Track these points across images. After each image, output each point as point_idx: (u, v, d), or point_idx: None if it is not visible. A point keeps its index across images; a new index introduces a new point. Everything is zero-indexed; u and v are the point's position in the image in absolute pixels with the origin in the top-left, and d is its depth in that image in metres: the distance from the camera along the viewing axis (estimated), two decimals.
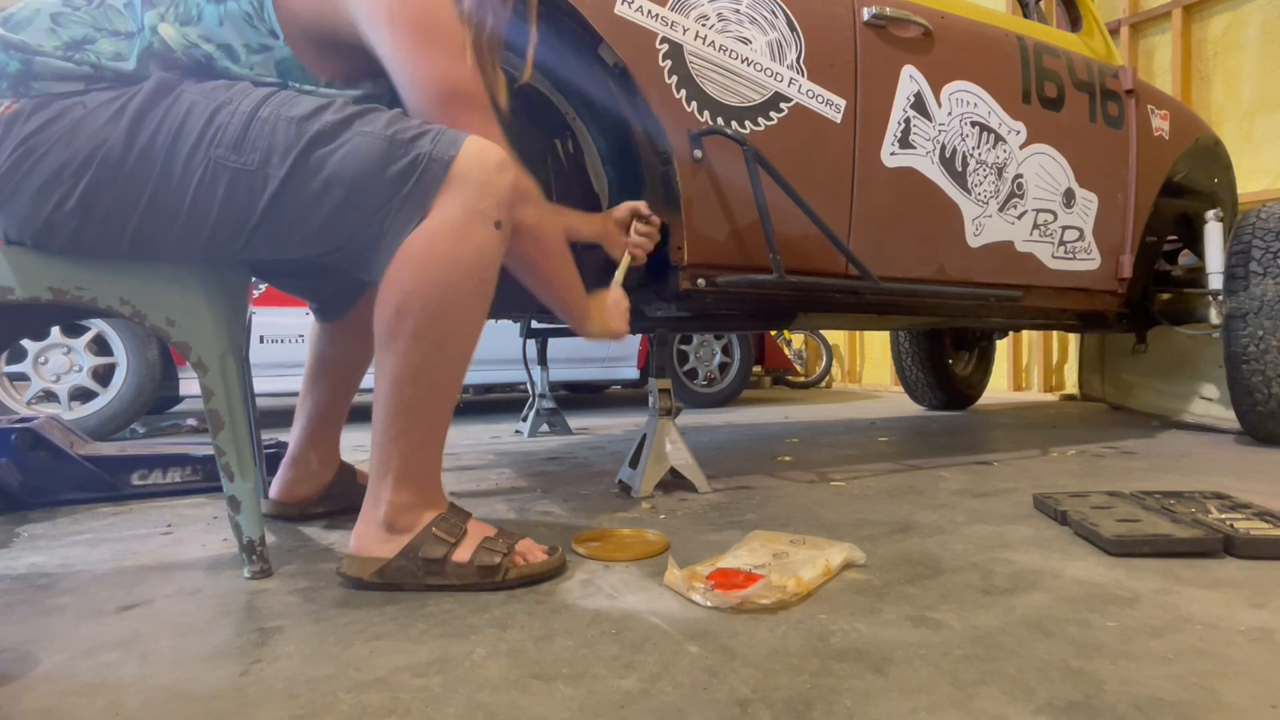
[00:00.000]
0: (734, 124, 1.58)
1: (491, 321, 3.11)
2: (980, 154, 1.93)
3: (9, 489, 1.50)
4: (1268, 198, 3.37)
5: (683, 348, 4.15)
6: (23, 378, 2.64)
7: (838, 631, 0.81)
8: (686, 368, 4.19)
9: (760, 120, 1.61)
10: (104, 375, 2.72)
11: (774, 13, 1.62)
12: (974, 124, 1.92)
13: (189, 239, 0.96)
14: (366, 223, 0.94)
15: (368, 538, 0.99)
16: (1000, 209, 1.99)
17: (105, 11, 0.95)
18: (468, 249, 0.93)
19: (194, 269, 1.03)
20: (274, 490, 1.39)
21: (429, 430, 0.98)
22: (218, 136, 0.91)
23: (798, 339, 6.49)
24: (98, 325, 2.68)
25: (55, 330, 2.64)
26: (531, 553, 1.01)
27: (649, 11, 1.48)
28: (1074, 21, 2.35)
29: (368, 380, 1.45)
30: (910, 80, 1.80)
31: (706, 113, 1.55)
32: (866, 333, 6.06)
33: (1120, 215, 2.28)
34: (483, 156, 0.95)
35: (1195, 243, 2.50)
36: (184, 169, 0.92)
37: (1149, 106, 2.32)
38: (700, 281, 1.60)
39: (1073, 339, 4.24)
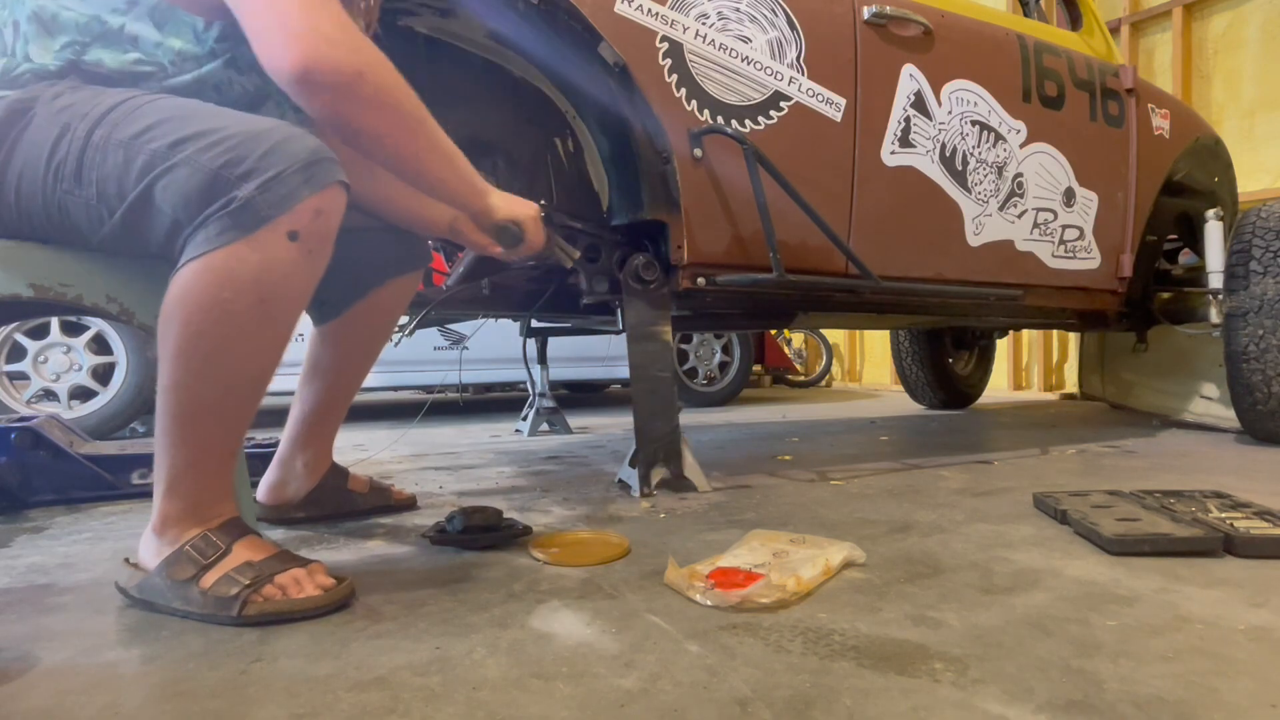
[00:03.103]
0: (734, 123, 1.58)
1: (491, 320, 3.15)
2: (980, 153, 1.93)
3: (9, 488, 1.50)
4: (1268, 196, 3.37)
5: (683, 347, 4.16)
6: (22, 376, 2.64)
7: (838, 631, 0.81)
8: (686, 367, 4.19)
9: (760, 119, 1.61)
10: (104, 374, 2.72)
11: (774, 11, 1.62)
12: (974, 123, 1.92)
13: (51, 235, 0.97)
14: (180, 238, 0.90)
15: (144, 544, 0.93)
16: (1000, 208, 1.99)
17: None
18: (248, 265, 0.85)
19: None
20: (259, 492, 1.36)
21: (203, 444, 0.91)
22: (60, 171, 0.89)
23: (798, 338, 6.49)
24: (97, 324, 2.68)
25: (55, 329, 2.64)
26: (299, 585, 0.89)
27: (649, 10, 1.48)
28: (1074, 20, 2.35)
29: (367, 380, 1.45)
30: (910, 79, 1.80)
31: (706, 111, 1.55)
32: (866, 332, 6.07)
33: (1120, 214, 2.28)
34: (320, 221, 0.88)
35: (1195, 242, 2.50)
36: (39, 197, 0.91)
37: (1149, 105, 2.32)
38: (700, 280, 1.60)
39: (1073, 338, 4.24)
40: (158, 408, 0.90)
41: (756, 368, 5.42)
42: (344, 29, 0.89)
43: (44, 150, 0.89)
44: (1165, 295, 2.59)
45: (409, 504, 1.50)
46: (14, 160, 0.91)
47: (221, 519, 0.94)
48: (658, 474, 1.57)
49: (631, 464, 1.64)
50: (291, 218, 0.86)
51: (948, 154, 1.88)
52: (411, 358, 3.47)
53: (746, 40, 1.59)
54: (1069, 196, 2.13)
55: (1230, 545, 1.07)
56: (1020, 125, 2.00)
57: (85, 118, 0.89)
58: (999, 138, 1.96)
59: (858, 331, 6.14)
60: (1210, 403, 2.75)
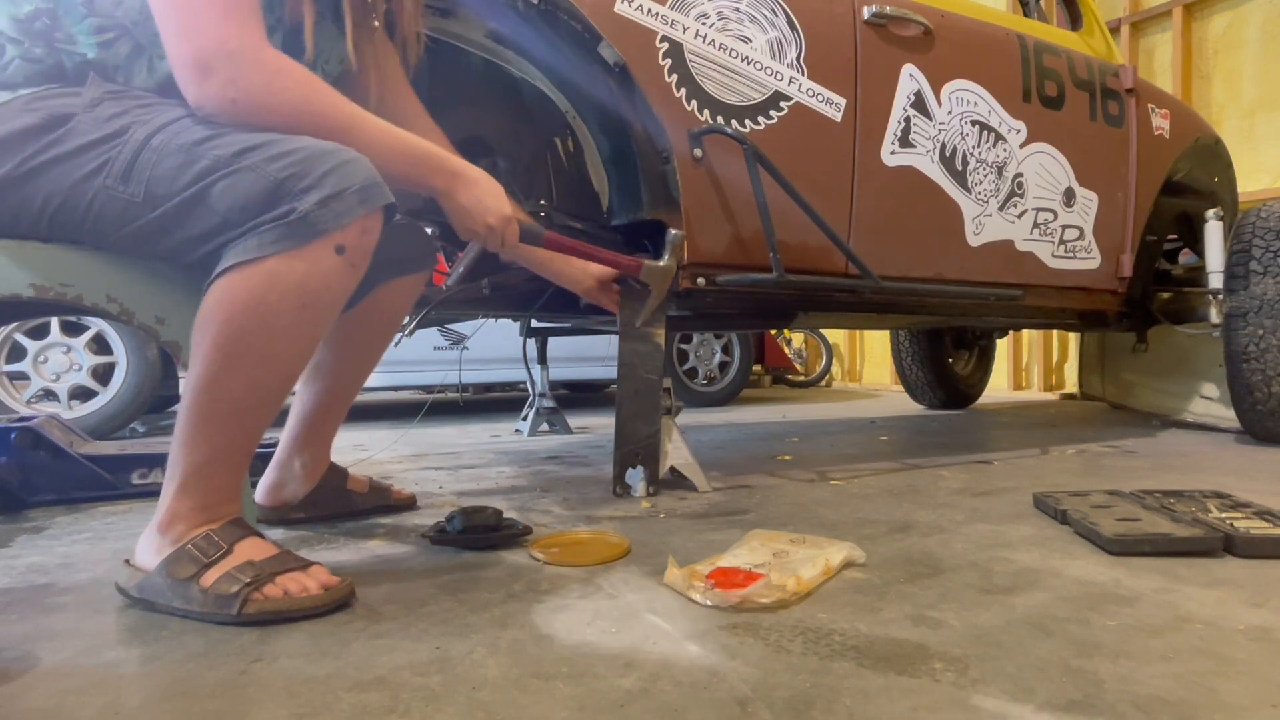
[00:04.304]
0: (734, 123, 1.58)
1: (491, 320, 3.15)
2: (980, 153, 1.93)
3: (9, 488, 1.50)
4: (1268, 196, 3.37)
5: (683, 347, 4.16)
6: (22, 376, 2.64)
7: (838, 631, 0.81)
8: (686, 367, 4.19)
9: (760, 119, 1.61)
10: (104, 374, 2.72)
11: (774, 11, 1.62)
12: (974, 123, 1.92)
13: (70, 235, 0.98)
14: (216, 240, 0.92)
15: (143, 543, 0.94)
16: (1000, 208, 1.99)
17: None
18: (294, 271, 0.88)
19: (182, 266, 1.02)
20: (256, 494, 1.35)
21: (223, 443, 0.93)
22: (108, 168, 0.90)
23: (798, 338, 6.49)
24: (97, 324, 2.68)
25: (55, 329, 2.64)
26: (299, 584, 0.89)
27: (649, 10, 1.48)
28: (1074, 20, 2.35)
29: (367, 380, 1.45)
30: (910, 79, 1.80)
31: (706, 111, 1.55)
32: (866, 332, 6.07)
33: (1120, 214, 2.28)
34: (365, 238, 0.92)
35: (1195, 242, 2.50)
36: (73, 192, 0.92)
37: (1149, 105, 2.32)
38: (700, 280, 1.60)
39: (1073, 338, 4.24)
40: (182, 405, 0.92)
41: (756, 368, 5.42)
42: (231, 56, 0.90)
43: (92, 148, 0.91)
44: (1165, 295, 2.59)
45: (409, 504, 1.50)
46: (52, 156, 0.91)
47: (225, 519, 0.95)
48: (657, 473, 1.57)
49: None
50: (342, 234, 0.90)
51: (948, 154, 1.88)
52: (411, 358, 3.48)
53: (746, 40, 1.59)
54: (1069, 196, 2.13)
55: (1230, 545, 1.07)
56: (1020, 125, 2.00)
57: (147, 124, 0.92)
58: (999, 138, 1.96)
59: (858, 331, 6.14)
60: (1210, 403, 2.75)
